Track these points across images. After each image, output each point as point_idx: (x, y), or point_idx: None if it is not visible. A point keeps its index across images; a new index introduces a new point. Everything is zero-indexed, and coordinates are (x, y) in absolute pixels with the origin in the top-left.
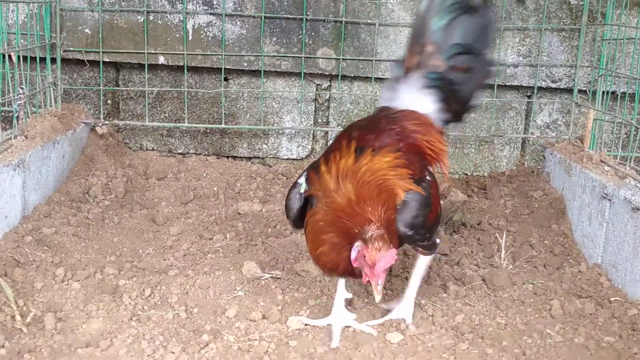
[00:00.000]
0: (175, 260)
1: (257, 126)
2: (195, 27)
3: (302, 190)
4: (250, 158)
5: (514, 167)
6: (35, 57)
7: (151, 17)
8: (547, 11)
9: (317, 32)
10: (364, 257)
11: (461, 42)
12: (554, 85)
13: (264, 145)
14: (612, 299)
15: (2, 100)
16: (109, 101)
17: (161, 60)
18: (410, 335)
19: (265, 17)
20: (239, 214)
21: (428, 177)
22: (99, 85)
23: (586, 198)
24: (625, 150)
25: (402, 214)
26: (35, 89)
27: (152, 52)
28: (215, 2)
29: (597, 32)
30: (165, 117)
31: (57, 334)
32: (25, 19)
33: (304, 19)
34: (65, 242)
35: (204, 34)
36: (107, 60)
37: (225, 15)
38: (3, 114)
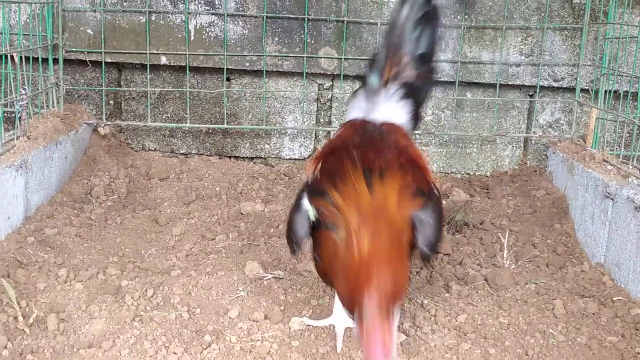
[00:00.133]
0: (178, 261)
1: (259, 126)
2: (197, 27)
3: (312, 218)
4: (252, 158)
5: (517, 167)
6: (37, 58)
7: (153, 18)
8: (549, 10)
9: (319, 32)
10: (357, 330)
11: (426, 51)
12: (556, 85)
13: (266, 145)
14: (615, 299)
15: (4, 101)
16: (111, 102)
17: (163, 60)
18: (413, 335)
19: (267, 17)
20: (242, 214)
21: (435, 190)
22: (101, 86)
23: (589, 197)
24: (628, 149)
25: (422, 234)
26: (38, 89)
27: (154, 52)
28: (217, 2)
29: (599, 30)
30: (168, 117)
31: (60, 334)
32: (28, 20)
33: (306, 19)
34: (67, 243)
35: (206, 34)
36: (109, 60)
37: (227, 15)
38: (5, 114)
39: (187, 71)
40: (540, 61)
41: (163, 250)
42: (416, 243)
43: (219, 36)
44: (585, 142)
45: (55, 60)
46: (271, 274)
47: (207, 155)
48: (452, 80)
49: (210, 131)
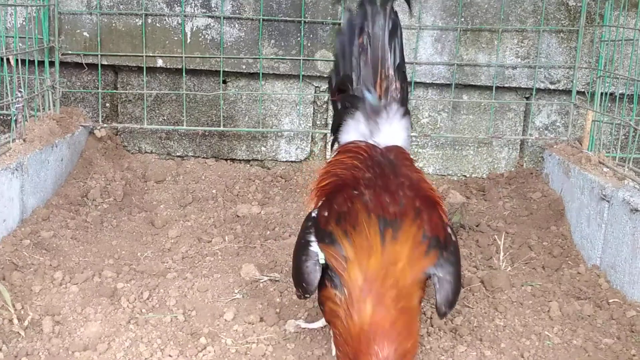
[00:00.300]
0: (174, 263)
1: (255, 129)
2: (194, 30)
3: (321, 261)
4: (248, 160)
5: (513, 169)
6: (33, 61)
7: (149, 20)
8: (545, 13)
9: (316, 35)
10: None
11: (400, 61)
12: (552, 87)
13: (263, 148)
14: (610, 301)
15: (0, 103)
16: (108, 104)
17: (159, 63)
18: None
19: (263, 20)
20: (238, 216)
21: (451, 234)
22: (98, 89)
23: (585, 199)
24: (624, 151)
25: (440, 294)
26: (34, 92)
27: (151, 55)
28: (213, 5)
29: (595, 33)
30: (164, 119)
31: (55, 337)
32: (24, 23)
33: (302, 22)
34: (63, 246)
35: (202, 37)
36: (106, 63)
37: (224, 18)
38: (1, 117)
39: (184, 74)
40: (536, 63)
41: (159, 252)
42: (435, 302)
43: (215, 39)
44: (581, 145)
45: (52, 63)
46: (267, 276)
47: (203, 157)
48: (448, 82)
49: (207, 134)
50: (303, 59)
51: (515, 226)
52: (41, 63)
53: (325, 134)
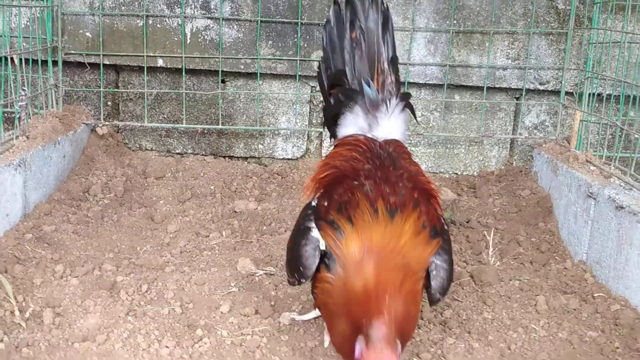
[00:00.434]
0: (172, 257)
1: (253, 127)
2: (193, 30)
3: (322, 247)
4: (246, 158)
5: (503, 167)
6: (37, 60)
7: (150, 21)
8: (535, 15)
9: (312, 36)
10: (362, 356)
11: (394, 55)
12: (541, 88)
13: (260, 146)
14: (595, 295)
15: (4, 101)
16: (109, 103)
17: (160, 63)
18: None
19: (261, 21)
20: (235, 212)
21: (445, 225)
22: (100, 87)
23: (572, 197)
24: (611, 150)
25: (436, 280)
26: (37, 90)
27: (151, 55)
28: (212, 7)
29: (583, 35)
30: (164, 118)
31: (55, 328)
32: (28, 23)
33: (299, 23)
34: (65, 240)
35: (202, 38)
36: (108, 62)
37: (223, 19)
38: (5, 115)
39: (184, 73)
40: (526, 65)
41: (158, 247)
42: (429, 288)
43: (214, 39)
44: (569, 144)
45: (55, 63)
46: (263, 270)
47: (202, 155)
48: (441, 83)
49: (206, 131)
50: (300, 60)
51: (504, 222)
52: (44, 62)
53: (321, 133)
